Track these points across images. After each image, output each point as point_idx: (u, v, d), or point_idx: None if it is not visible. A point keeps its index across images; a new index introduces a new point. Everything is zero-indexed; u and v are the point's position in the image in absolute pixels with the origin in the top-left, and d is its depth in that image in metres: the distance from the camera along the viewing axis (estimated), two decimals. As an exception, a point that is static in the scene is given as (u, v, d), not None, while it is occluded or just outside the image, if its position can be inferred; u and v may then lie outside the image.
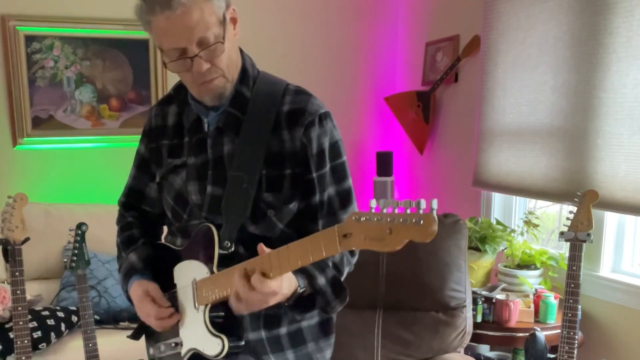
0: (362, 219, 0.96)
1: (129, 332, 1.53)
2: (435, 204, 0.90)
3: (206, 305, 1.31)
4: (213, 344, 1.29)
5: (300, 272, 1.24)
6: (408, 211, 0.91)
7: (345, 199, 1.37)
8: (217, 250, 1.30)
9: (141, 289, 1.39)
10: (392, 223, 0.92)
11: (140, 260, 1.45)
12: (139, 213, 1.56)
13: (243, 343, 1.33)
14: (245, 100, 1.35)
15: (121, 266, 1.50)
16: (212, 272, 1.30)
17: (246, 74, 1.37)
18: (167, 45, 1.24)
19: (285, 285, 1.20)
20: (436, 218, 0.89)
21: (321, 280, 1.29)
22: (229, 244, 1.31)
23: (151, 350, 1.48)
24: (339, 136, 1.39)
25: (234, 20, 1.31)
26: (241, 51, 1.39)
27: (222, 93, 1.32)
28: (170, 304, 1.38)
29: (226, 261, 1.29)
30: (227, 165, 1.35)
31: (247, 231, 1.34)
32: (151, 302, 1.37)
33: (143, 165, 1.51)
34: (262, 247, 1.18)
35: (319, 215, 1.35)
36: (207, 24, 1.21)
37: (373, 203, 0.95)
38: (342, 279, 1.36)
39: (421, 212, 0.90)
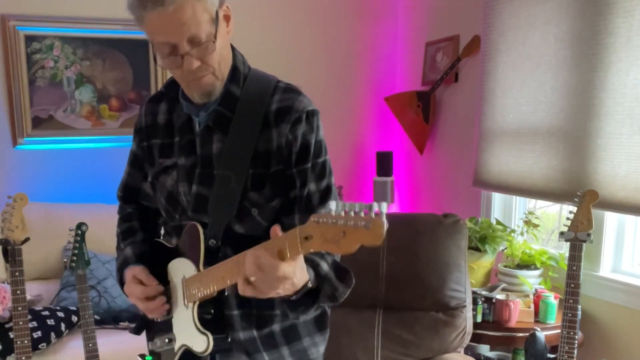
0: (321, 220, 0.95)
1: (129, 332, 1.54)
2: (384, 207, 0.89)
3: (194, 302, 1.32)
4: (200, 341, 1.31)
5: (305, 261, 1.20)
6: (362, 214, 0.90)
7: (324, 196, 1.36)
8: (202, 248, 1.31)
9: (130, 275, 1.39)
10: (344, 226, 0.91)
11: (134, 255, 1.46)
12: (137, 206, 1.57)
13: (230, 340, 1.34)
14: (234, 99, 1.35)
15: (117, 257, 1.52)
16: (198, 269, 1.32)
17: (237, 72, 1.36)
18: (158, 40, 1.24)
19: (298, 273, 1.13)
20: (385, 221, 0.88)
21: (324, 266, 1.27)
22: (215, 242, 1.32)
23: (150, 345, 1.51)
24: (323, 136, 1.38)
25: (227, 18, 1.30)
26: (232, 48, 1.39)
27: (211, 91, 1.32)
28: (157, 282, 1.38)
29: (213, 259, 1.29)
30: (215, 164, 1.35)
31: (233, 230, 1.34)
32: (138, 283, 1.37)
33: (136, 163, 1.52)
34: (275, 230, 1.12)
35: (296, 209, 1.34)
36: (198, 21, 1.21)
37: (332, 205, 0.95)
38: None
39: (373, 215, 0.89)
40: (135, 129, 1.51)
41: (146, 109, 1.48)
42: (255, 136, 1.32)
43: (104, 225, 2.86)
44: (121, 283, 1.47)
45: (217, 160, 1.34)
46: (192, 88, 1.32)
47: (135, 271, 1.39)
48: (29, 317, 2.11)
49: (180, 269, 1.37)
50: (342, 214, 0.92)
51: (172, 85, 1.43)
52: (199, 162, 1.37)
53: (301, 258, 1.14)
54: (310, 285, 1.21)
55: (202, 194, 1.35)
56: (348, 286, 1.30)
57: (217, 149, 1.35)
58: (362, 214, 0.90)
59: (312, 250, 1.00)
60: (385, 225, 0.88)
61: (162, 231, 1.57)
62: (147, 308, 1.39)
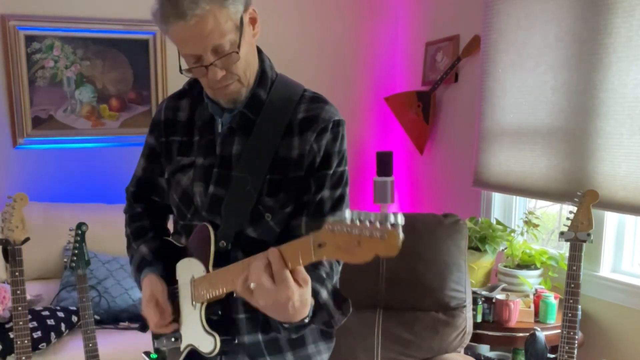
0: (336, 229, 0.95)
1: (129, 332, 1.54)
2: (400, 219, 0.89)
3: (202, 303, 1.32)
4: (207, 341, 1.31)
5: None
6: (377, 224, 0.90)
7: (335, 204, 1.36)
8: (212, 250, 1.31)
9: (149, 291, 1.39)
10: (360, 235, 0.91)
11: (151, 252, 1.47)
12: (148, 203, 1.56)
13: (236, 342, 1.34)
14: (260, 102, 1.35)
15: (132, 257, 1.50)
16: (207, 270, 1.31)
17: (265, 76, 1.37)
18: (183, 52, 1.25)
19: (300, 303, 1.10)
20: (401, 233, 0.88)
21: (324, 294, 1.26)
22: (225, 244, 1.32)
23: (156, 343, 1.51)
24: (345, 147, 1.39)
25: (253, 21, 1.30)
26: (260, 52, 1.39)
27: (237, 97, 1.33)
28: (171, 310, 1.39)
29: (222, 261, 1.29)
30: (234, 166, 1.34)
31: (244, 233, 1.34)
32: (154, 306, 1.37)
33: (153, 157, 1.51)
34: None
35: (304, 212, 1.34)
36: (222, 31, 1.21)
37: (347, 213, 0.95)
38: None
39: (388, 226, 0.89)
40: (153, 123, 1.49)
41: (167, 104, 1.47)
42: (277, 142, 1.32)
43: (104, 225, 2.87)
44: (140, 283, 1.46)
45: (236, 162, 1.34)
46: (219, 95, 1.33)
47: (156, 290, 1.38)
48: (29, 317, 2.11)
49: (189, 268, 1.37)
50: (357, 222, 0.92)
51: (195, 83, 1.42)
52: (217, 162, 1.36)
53: (309, 292, 1.12)
54: (306, 321, 1.19)
55: (218, 195, 1.35)
56: (345, 315, 1.30)
57: (237, 150, 1.35)
58: (378, 224, 0.90)
59: (324, 258, 0.99)
60: (401, 237, 0.88)
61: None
62: (156, 328, 1.40)
